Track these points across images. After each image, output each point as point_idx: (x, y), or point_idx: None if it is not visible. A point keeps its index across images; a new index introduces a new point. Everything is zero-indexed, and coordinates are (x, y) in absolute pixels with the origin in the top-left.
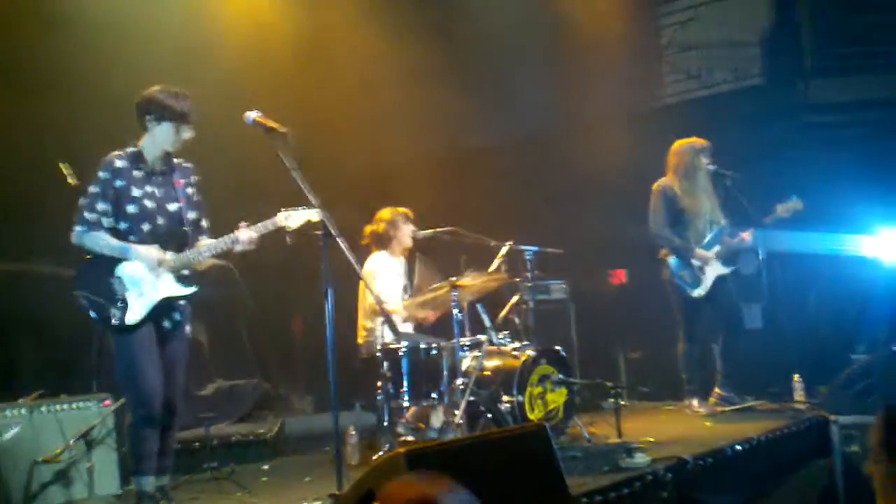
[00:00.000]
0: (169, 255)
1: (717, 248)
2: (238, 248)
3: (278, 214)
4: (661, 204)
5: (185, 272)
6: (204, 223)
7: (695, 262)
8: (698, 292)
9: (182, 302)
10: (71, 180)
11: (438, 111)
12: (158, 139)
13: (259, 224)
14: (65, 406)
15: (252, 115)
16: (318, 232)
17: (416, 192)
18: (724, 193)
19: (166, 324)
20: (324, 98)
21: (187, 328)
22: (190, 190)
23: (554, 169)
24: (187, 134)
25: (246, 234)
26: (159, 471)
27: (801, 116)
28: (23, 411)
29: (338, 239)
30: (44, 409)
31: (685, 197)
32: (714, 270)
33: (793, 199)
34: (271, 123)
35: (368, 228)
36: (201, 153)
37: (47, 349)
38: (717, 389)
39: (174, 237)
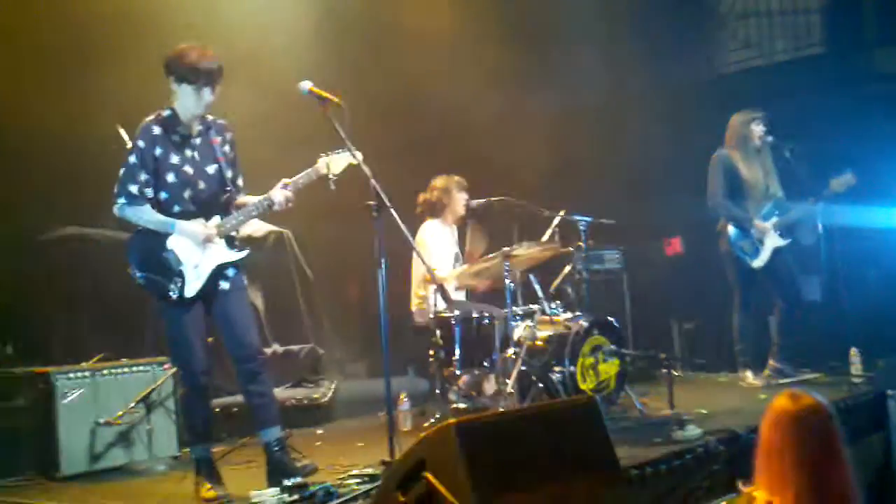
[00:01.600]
0: (212, 224)
1: (774, 220)
2: (276, 208)
3: (318, 161)
4: (719, 174)
5: (234, 235)
6: (240, 181)
7: (754, 233)
8: (757, 263)
9: (229, 266)
10: (129, 144)
11: (494, 77)
12: (186, 102)
13: (300, 175)
14: (125, 369)
15: (306, 84)
16: (372, 202)
17: (469, 160)
18: (782, 165)
19: (223, 284)
20: (376, 64)
21: (244, 279)
22: (227, 148)
23: (609, 138)
24: (209, 97)
25: (280, 195)
26: (266, 423)
27: (862, 86)
28: (85, 374)
29: (391, 210)
30: (105, 372)
31: (743, 168)
32: (772, 241)
33: (847, 173)
34: (326, 94)
35: (422, 197)
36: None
37: (110, 313)
38: (771, 362)
39: (216, 200)
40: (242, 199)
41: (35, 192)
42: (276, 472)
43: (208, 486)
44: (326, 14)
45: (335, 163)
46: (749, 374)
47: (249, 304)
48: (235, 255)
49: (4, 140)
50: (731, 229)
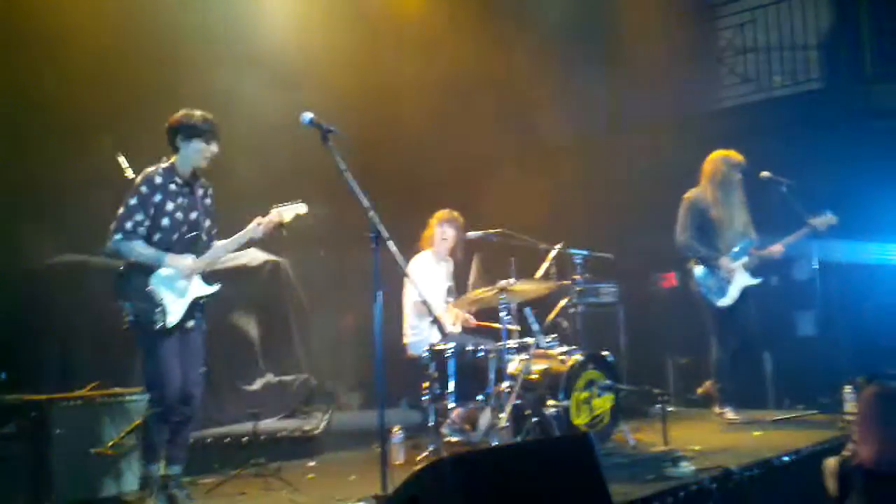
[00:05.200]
0: (191, 260)
1: (744, 260)
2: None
3: (271, 211)
4: (689, 215)
5: (208, 272)
6: (215, 230)
7: (722, 272)
8: (723, 302)
9: (202, 301)
10: (128, 173)
11: (494, 115)
12: (189, 157)
13: (254, 224)
14: (118, 399)
15: (308, 115)
16: (370, 234)
17: (468, 194)
18: (778, 200)
19: (190, 322)
20: (378, 103)
21: (204, 325)
22: (207, 201)
23: (607, 171)
24: (215, 148)
25: (258, 231)
26: (172, 460)
27: (860, 122)
28: (78, 402)
29: (387, 241)
30: (98, 401)
31: (717, 207)
32: (741, 281)
33: (826, 213)
34: (327, 126)
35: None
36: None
37: (104, 340)
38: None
39: (195, 243)
40: (219, 242)
41: (32, 220)
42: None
43: (153, 501)
44: (324, 52)
45: (286, 213)
46: (729, 411)
47: (203, 350)
48: (210, 290)
49: (4, 168)
50: (697, 269)
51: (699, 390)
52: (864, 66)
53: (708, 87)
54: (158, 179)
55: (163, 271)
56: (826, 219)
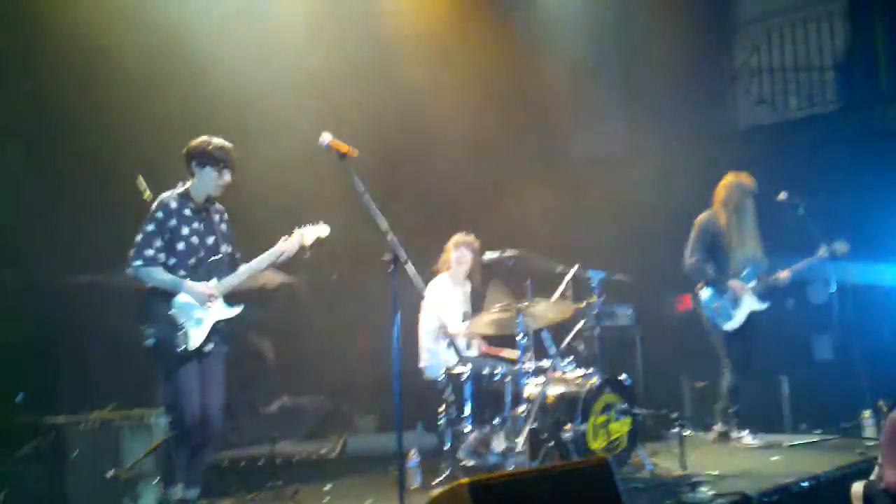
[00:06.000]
0: (213, 284)
1: (752, 284)
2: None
3: (294, 233)
4: (699, 238)
5: (229, 295)
6: (237, 254)
7: (729, 295)
8: (730, 325)
9: (222, 325)
10: (146, 195)
11: (506, 134)
12: (203, 182)
13: (279, 246)
14: (138, 419)
15: (327, 139)
16: (387, 258)
17: (484, 216)
18: (795, 223)
19: (209, 346)
20: (394, 123)
21: (224, 347)
22: (223, 226)
23: (623, 192)
24: (228, 177)
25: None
26: (190, 483)
27: (877, 144)
28: (95, 424)
29: (405, 265)
30: (117, 422)
31: (729, 231)
32: (749, 304)
33: (839, 242)
34: (345, 148)
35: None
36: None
37: (122, 360)
38: (719, 426)
39: (214, 266)
40: (242, 266)
41: (48, 240)
42: None
43: None
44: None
45: (308, 235)
46: (746, 435)
47: (222, 375)
48: (232, 312)
49: (24, 187)
50: (703, 292)
51: (712, 438)
52: (880, 86)
53: (723, 109)
54: (173, 204)
55: (181, 297)
56: (838, 247)
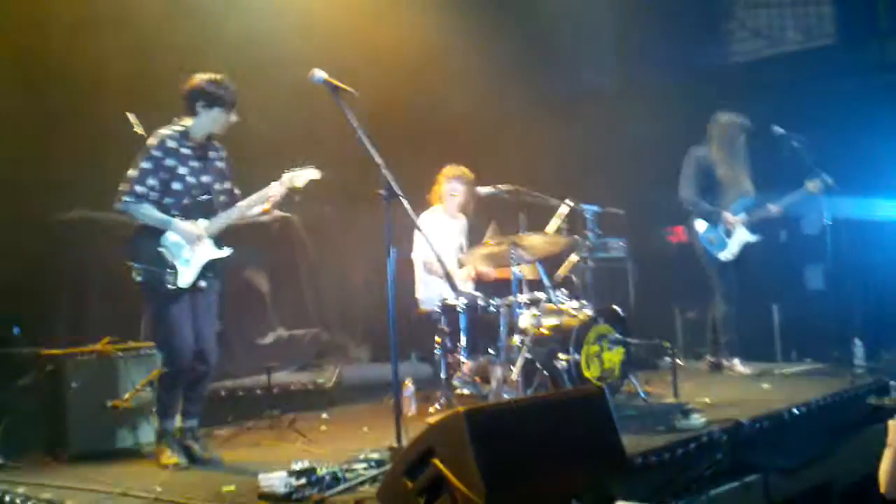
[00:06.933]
0: (203, 225)
1: (743, 216)
2: (255, 211)
3: (283, 176)
4: (693, 170)
5: (220, 236)
6: (237, 191)
7: (723, 227)
8: (724, 255)
9: (214, 262)
10: (138, 129)
11: (502, 68)
12: (207, 123)
13: (267, 188)
14: (133, 352)
15: (320, 74)
16: (382, 191)
17: (478, 150)
18: (790, 156)
19: (202, 282)
20: (389, 58)
21: (217, 284)
22: (220, 164)
23: (616, 126)
24: (234, 117)
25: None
26: (188, 414)
27: (874, 77)
28: (93, 356)
29: (401, 198)
30: (113, 354)
31: (721, 166)
32: (741, 236)
33: (821, 176)
34: (339, 83)
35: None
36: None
37: (116, 295)
38: (709, 357)
39: (207, 206)
40: (239, 203)
41: (46, 175)
42: (190, 455)
43: (168, 453)
44: (334, 8)
45: (298, 178)
46: (737, 363)
47: (216, 310)
48: (220, 254)
49: (18, 123)
50: (699, 224)
51: (704, 366)
52: (878, 20)
53: (719, 42)
54: (172, 143)
55: (170, 236)
56: (820, 182)
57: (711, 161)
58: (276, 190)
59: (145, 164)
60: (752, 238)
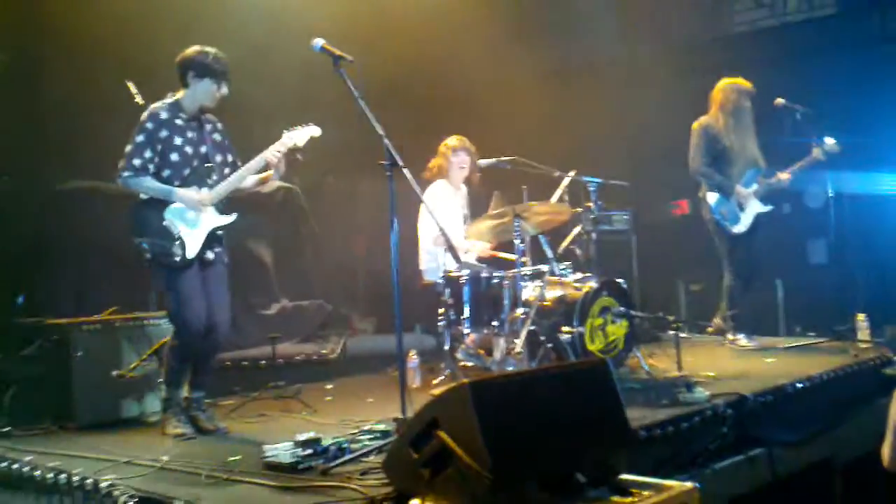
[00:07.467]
0: (205, 192)
1: (754, 187)
2: (254, 180)
3: (283, 135)
4: (702, 142)
5: (223, 203)
6: (239, 163)
7: (734, 199)
8: (738, 228)
9: (220, 232)
10: (137, 99)
11: (503, 38)
12: (198, 94)
13: (266, 150)
14: (138, 322)
15: (319, 42)
16: (384, 162)
17: (481, 121)
18: (792, 128)
19: (209, 254)
20: (390, 28)
21: (226, 257)
22: (217, 136)
23: (619, 98)
24: (225, 90)
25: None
26: (196, 386)
27: (875, 48)
28: (98, 327)
29: (403, 169)
30: (118, 325)
31: (728, 135)
32: (753, 208)
33: (827, 140)
34: (338, 51)
35: (432, 160)
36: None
37: (121, 265)
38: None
39: (207, 175)
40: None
41: (44, 146)
42: (196, 426)
43: (174, 423)
44: None
45: (298, 136)
46: (741, 337)
47: (225, 281)
48: (225, 220)
49: (23, 95)
50: (710, 196)
51: (710, 330)
52: None
53: (720, 12)
54: (164, 115)
55: (174, 206)
56: (829, 145)
57: (717, 130)
58: (277, 149)
59: (139, 138)
60: (764, 208)
